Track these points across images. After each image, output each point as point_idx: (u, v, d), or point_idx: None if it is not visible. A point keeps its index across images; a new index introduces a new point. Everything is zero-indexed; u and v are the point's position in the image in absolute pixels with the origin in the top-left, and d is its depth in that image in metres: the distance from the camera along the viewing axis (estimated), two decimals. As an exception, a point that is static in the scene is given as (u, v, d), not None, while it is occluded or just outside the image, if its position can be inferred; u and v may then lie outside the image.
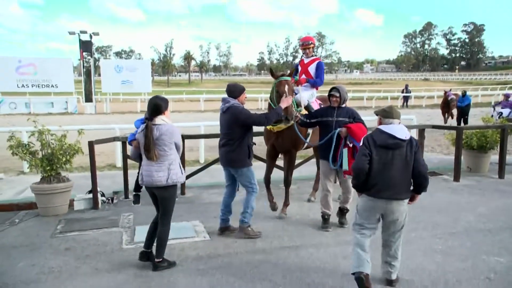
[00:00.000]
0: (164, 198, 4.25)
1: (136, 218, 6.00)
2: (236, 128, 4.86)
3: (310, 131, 5.94)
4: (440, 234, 5.23)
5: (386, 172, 3.65)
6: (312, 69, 6.37)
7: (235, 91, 4.95)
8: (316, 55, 6.68)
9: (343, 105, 5.36)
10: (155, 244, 4.38)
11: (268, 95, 5.73)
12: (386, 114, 3.79)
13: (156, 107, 4.14)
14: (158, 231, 4.32)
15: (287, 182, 5.93)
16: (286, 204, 6.01)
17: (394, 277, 3.89)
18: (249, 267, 4.32)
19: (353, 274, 3.71)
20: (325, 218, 5.52)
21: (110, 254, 4.71)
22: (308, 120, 5.48)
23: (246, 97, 5.10)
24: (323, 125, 5.39)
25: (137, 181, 5.30)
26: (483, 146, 8.64)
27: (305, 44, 6.41)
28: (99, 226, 5.66)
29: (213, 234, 5.29)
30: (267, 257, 4.57)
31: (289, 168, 5.95)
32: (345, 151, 5.14)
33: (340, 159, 5.22)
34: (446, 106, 18.12)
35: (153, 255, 4.35)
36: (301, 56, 6.67)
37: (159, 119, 4.13)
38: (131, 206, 6.67)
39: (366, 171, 3.67)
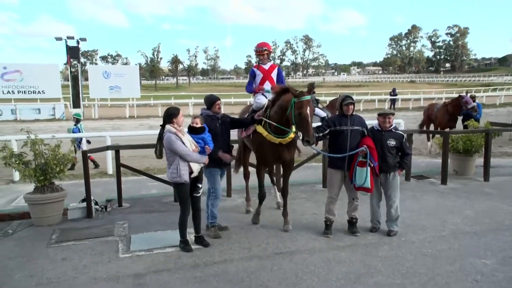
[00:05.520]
0: (176, 192, 5.23)
1: (131, 226, 6.04)
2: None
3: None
4: (429, 237, 5.40)
5: None
6: (274, 75, 6.32)
7: (206, 103, 5.54)
8: (272, 61, 6.53)
9: (354, 113, 5.41)
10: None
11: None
12: None
13: (166, 116, 4.92)
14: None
15: (286, 191, 5.85)
16: (287, 214, 5.82)
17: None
18: (245, 274, 4.42)
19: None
20: (328, 224, 5.52)
21: (107, 263, 4.76)
22: (321, 134, 5.35)
23: (220, 107, 5.53)
24: (337, 134, 5.33)
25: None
26: (468, 149, 8.88)
27: (259, 51, 6.28)
28: (94, 235, 5.69)
29: (208, 240, 5.35)
30: (262, 263, 4.67)
31: (288, 177, 5.89)
32: (366, 170, 5.17)
33: (357, 176, 5.24)
34: (452, 118, 12.11)
35: (202, 239, 5.25)
36: (257, 62, 6.51)
37: (166, 127, 4.88)
38: (125, 214, 6.72)
39: None
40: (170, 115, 4.89)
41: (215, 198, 5.51)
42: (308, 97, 5.03)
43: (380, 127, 5.48)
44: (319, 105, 10.36)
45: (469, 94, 12.16)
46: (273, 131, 5.38)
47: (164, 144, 4.85)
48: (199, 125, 5.17)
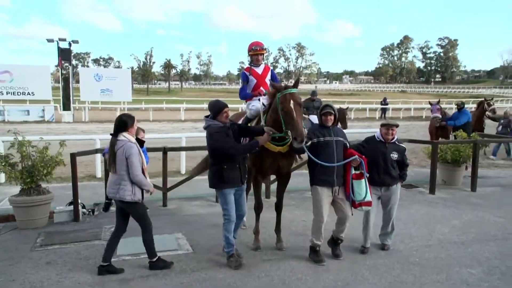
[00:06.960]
0: (129, 211, 4.59)
1: (118, 231, 5.96)
2: (209, 149, 4.77)
3: None
4: (416, 246, 5.42)
5: None
6: (268, 80, 5.70)
7: (212, 110, 4.65)
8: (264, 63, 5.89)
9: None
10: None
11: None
12: None
13: (120, 124, 4.42)
14: (142, 238, 4.65)
15: (281, 206, 5.39)
16: (280, 231, 5.43)
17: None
18: (232, 280, 4.39)
19: None
20: (317, 250, 4.94)
21: (92, 267, 4.69)
22: (310, 142, 4.71)
23: (227, 115, 4.68)
24: (321, 146, 4.75)
25: None
26: (457, 160, 8.97)
27: (260, 49, 5.64)
28: (80, 239, 5.62)
29: (196, 246, 5.33)
30: (250, 271, 4.64)
31: (284, 190, 5.38)
32: (365, 182, 4.75)
33: (355, 191, 4.76)
34: (438, 127, 11.24)
35: (113, 267, 4.60)
36: (249, 64, 5.84)
37: (120, 135, 4.38)
38: (113, 218, 6.60)
39: None
40: (125, 122, 4.38)
41: (228, 222, 4.72)
42: (292, 90, 4.50)
43: (383, 139, 5.17)
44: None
45: (442, 104, 10.90)
46: (272, 138, 4.76)
47: (123, 155, 4.26)
48: (144, 139, 4.91)
